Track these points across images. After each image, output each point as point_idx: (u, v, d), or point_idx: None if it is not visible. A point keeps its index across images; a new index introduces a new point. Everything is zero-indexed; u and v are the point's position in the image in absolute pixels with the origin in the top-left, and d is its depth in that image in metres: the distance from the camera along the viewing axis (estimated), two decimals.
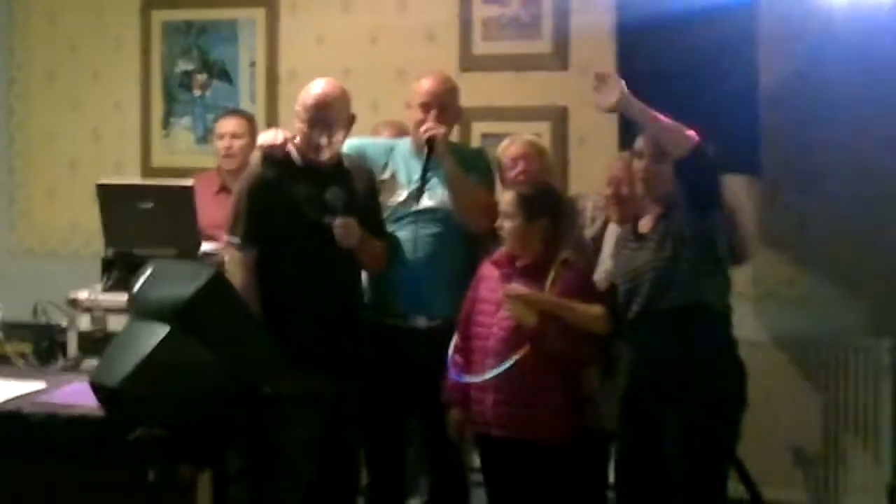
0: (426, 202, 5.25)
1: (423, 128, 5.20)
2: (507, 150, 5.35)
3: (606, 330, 4.74)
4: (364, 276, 5.33)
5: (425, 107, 5.26)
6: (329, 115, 5.03)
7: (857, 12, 5.72)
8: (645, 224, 4.64)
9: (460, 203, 5.20)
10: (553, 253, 4.86)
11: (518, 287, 4.76)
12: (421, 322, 5.24)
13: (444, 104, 5.28)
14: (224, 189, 6.17)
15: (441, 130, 5.18)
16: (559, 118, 6.55)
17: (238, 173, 5.98)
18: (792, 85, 6.05)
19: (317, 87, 5.07)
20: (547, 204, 4.90)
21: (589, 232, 5.18)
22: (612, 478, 4.97)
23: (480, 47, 6.73)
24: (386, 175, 5.34)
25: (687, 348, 4.50)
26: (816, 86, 6.05)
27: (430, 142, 5.16)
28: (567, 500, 4.89)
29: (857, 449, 6.07)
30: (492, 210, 5.07)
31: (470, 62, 6.69)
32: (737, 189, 5.67)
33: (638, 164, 4.62)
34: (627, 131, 5.69)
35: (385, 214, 5.29)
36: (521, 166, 5.25)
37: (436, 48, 6.65)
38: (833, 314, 6.09)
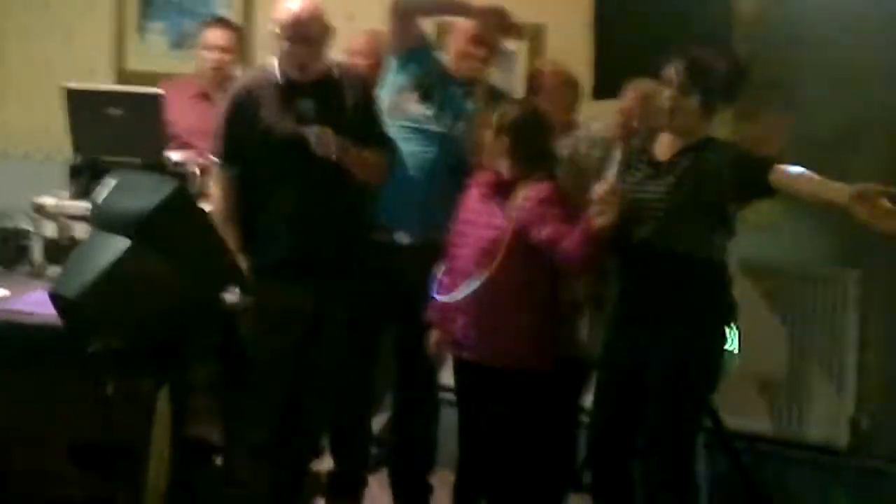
0: (435, 127, 5.23)
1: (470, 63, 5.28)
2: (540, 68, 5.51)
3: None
4: None
5: (476, 41, 5.27)
6: (308, 31, 4.99)
7: None
8: (662, 152, 4.56)
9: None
10: (527, 170, 4.80)
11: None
12: (403, 238, 5.22)
13: (492, 42, 5.33)
14: (202, 95, 6.13)
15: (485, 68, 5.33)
16: (536, 36, 6.46)
17: (218, 85, 5.95)
18: (770, 15, 5.95)
19: (292, 4, 5.01)
20: (516, 120, 4.82)
21: (596, 153, 5.14)
22: (586, 403, 5.00)
23: None
24: (419, 86, 5.31)
25: (683, 297, 4.46)
26: (795, 16, 5.95)
27: (472, 76, 5.24)
28: (536, 425, 4.88)
29: (822, 379, 6.05)
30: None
31: None
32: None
33: (664, 93, 4.50)
34: (603, 54, 5.68)
35: (401, 121, 5.28)
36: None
37: None
38: (802, 243, 6.05)
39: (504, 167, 4.80)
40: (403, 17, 5.25)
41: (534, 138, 4.81)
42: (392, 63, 5.36)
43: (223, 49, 6.21)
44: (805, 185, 4.26)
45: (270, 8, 5.16)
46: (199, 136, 5.54)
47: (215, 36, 6.25)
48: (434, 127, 5.23)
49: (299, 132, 4.94)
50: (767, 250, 6.01)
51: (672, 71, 4.45)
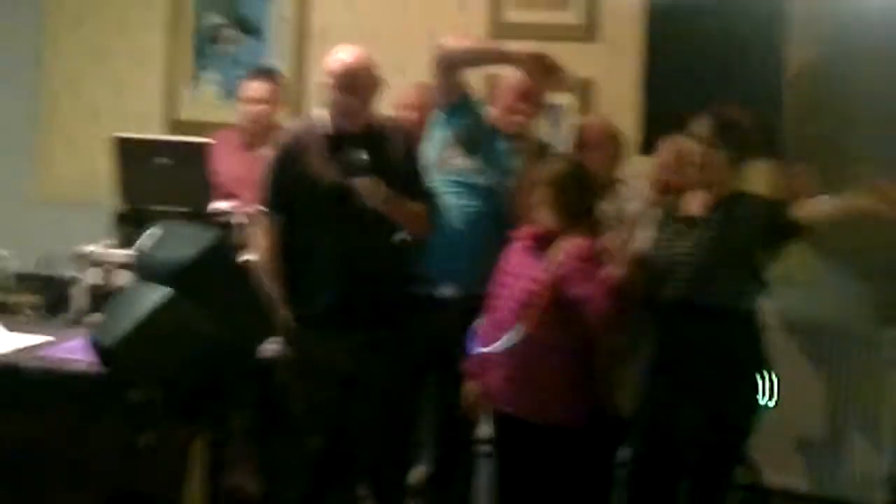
0: (481, 181, 5.22)
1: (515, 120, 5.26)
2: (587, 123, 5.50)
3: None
4: None
5: (522, 96, 5.27)
6: (357, 81, 5.01)
7: None
8: (693, 208, 4.60)
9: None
10: (568, 224, 4.77)
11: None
12: (447, 291, 5.18)
13: (539, 96, 5.32)
14: (245, 146, 6.14)
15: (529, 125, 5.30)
16: (585, 91, 6.45)
17: (261, 136, 5.97)
18: (819, 68, 5.91)
19: (343, 54, 5.05)
20: (562, 174, 4.80)
21: (632, 207, 5.13)
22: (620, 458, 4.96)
23: (510, 15, 6.67)
24: (462, 139, 5.29)
25: (718, 350, 4.46)
26: (844, 70, 5.92)
27: (520, 134, 5.23)
28: (574, 480, 4.83)
29: (860, 438, 6.02)
30: None
31: (499, 30, 6.60)
32: (762, 174, 5.64)
33: (695, 148, 4.57)
34: (651, 111, 5.67)
35: (447, 175, 5.27)
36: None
37: (466, 14, 6.57)
38: (843, 302, 6.02)
39: (546, 221, 4.78)
40: (448, 70, 5.23)
41: (576, 193, 4.78)
42: (438, 117, 5.35)
43: (262, 101, 6.21)
44: (829, 206, 4.38)
45: (322, 58, 5.18)
46: (243, 187, 5.55)
47: (254, 88, 6.25)
48: (480, 181, 5.21)
49: (348, 182, 4.95)
50: (810, 307, 5.99)
51: (700, 127, 4.50)
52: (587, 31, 6.51)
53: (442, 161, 5.27)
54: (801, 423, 6.07)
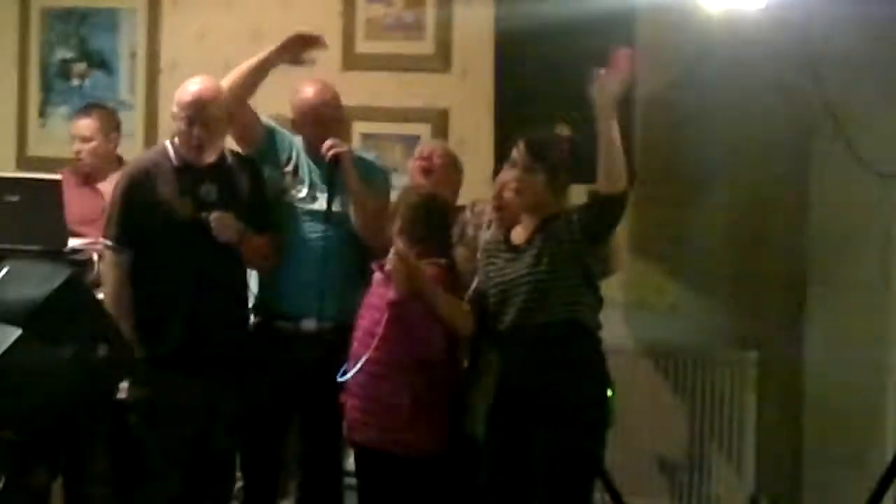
0: (313, 205, 5.21)
1: (327, 145, 5.11)
2: (420, 149, 5.50)
3: (468, 330, 4.72)
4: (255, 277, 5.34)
5: (318, 120, 5.21)
6: (207, 113, 4.98)
7: (731, 21, 5.71)
8: (518, 235, 4.65)
9: (363, 218, 5.14)
10: (430, 254, 4.81)
11: (406, 250, 4.70)
12: (310, 325, 5.14)
13: (334, 117, 5.27)
14: (86, 182, 6.00)
15: (345, 148, 5.15)
16: (439, 121, 6.51)
17: (98, 171, 5.89)
18: (667, 94, 6.03)
19: (193, 86, 5.03)
20: (422, 205, 4.87)
21: (486, 236, 5.14)
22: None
23: (363, 46, 6.67)
24: (289, 168, 5.26)
25: (559, 365, 4.51)
26: (692, 96, 6.04)
27: (335, 159, 5.12)
28: None
29: (722, 460, 6.10)
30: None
31: (352, 61, 6.62)
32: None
33: (510, 174, 4.65)
34: (503, 139, 5.71)
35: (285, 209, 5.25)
36: (428, 157, 5.42)
37: None
38: (701, 325, 6.09)
39: (411, 252, 4.79)
40: (237, 111, 5.18)
41: (428, 220, 4.83)
42: (258, 158, 5.33)
43: (90, 138, 6.06)
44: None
45: (173, 91, 5.16)
46: (86, 224, 5.51)
47: (81, 126, 6.12)
48: (312, 206, 5.20)
49: (200, 216, 4.92)
50: (667, 331, 6.05)
51: (515, 152, 4.59)
52: (440, 61, 6.54)
53: (278, 196, 5.27)
54: (663, 446, 6.12)
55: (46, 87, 7.21)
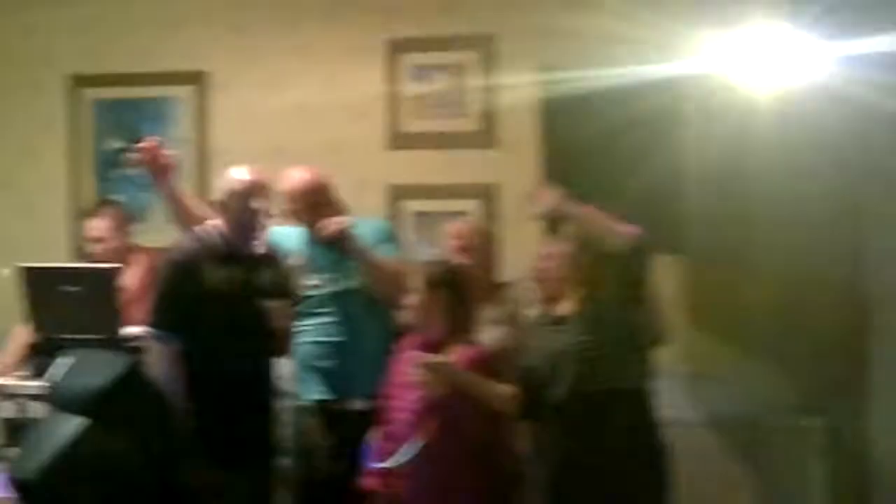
0: (345, 284, 5.26)
1: (328, 225, 5.20)
2: (450, 228, 5.45)
3: (509, 409, 4.72)
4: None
5: (312, 207, 5.30)
6: (257, 200, 5.10)
7: (780, 94, 5.74)
8: (564, 307, 4.67)
9: (378, 285, 5.21)
10: (458, 331, 4.85)
11: (428, 356, 4.71)
12: (356, 405, 5.20)
13: (325, 201, 5.33)
14: None
15: (345, 225, 5.20)
16: (488, 196, 6.54)
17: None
18: (717, 164, 6.04)
19: (250, 175, 5.16)
20: (450, 278, 4.89)
21: (533, 312, 5.16)
22: None
23: (408, 125, 6.73)
24: (300, 261, 5.34)
25: (614, 434, 4.51)
26: (741, 165, 6.03)
27: (338, 238, 5.18)
28: None
29: None
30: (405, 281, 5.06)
31: (398, 140, 6.69)
32: (662, 269, 5.72)
33: (564, 248, 4.66)
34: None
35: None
36: (458, 241, 5.36)
37: (365, 125, 6.65)
38: (763, 393, 6.03)
39: (435, 325, 4.83)
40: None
41: (459, 298, 4.86)
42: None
43: (100, 240, 6.20)
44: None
45: (224, 175, 5.23)
46: None
47: (90, 228, 6.26)
48: (331, 289, 5.28)
49: (256, 303, 4.98)
50: (729, 401, 6.00)
51: (568, 227, 4.64)
52: (486, 137, 6.59)
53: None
54: None
55: (100, 177, 7.31)
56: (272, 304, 4.99)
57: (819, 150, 5.84)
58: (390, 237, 5.44)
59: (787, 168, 5.90)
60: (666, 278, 5.82)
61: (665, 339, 4.81)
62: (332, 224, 5.18)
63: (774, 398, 6.06)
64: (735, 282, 6.10)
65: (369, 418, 5.03)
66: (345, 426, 5.18)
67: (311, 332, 5.32)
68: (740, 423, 6.08)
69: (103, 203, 6.63)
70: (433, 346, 4.80)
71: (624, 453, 4.50)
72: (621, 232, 4.47)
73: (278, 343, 5.18)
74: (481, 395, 4.71)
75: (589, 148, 5.61)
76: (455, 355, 4.75)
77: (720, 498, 5.87)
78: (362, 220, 5.46)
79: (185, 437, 4.64)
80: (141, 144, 5.30)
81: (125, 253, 6.16)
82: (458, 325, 4.85)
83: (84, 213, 6.55)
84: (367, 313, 5.27)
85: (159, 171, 5.30)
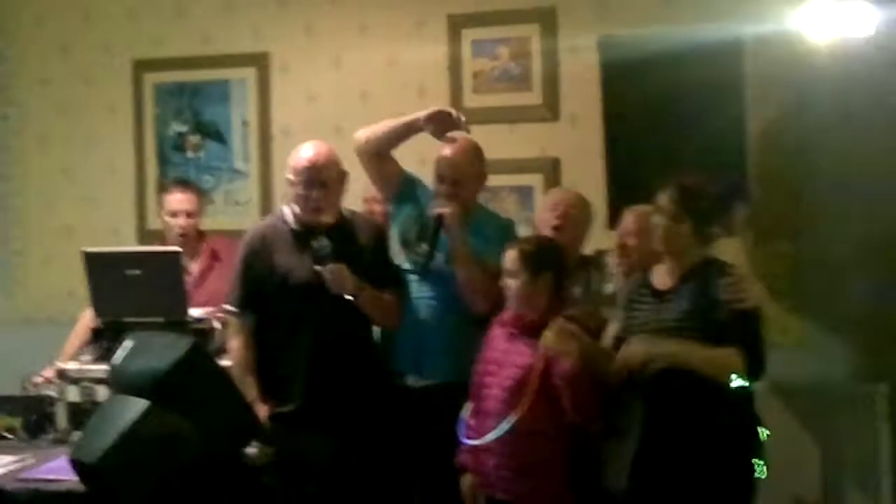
0: (435, 265, 5.20)
1: (434, 205, 5.16)
2: (548, 198, 5.45)
3: (621, 380, 4.57)
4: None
5: (440, 179, 5.24)
6: (323, 175, 5.06)
7: (838, 51, 5.66)
8: (662, 279, 4.59)
9: (464, 282, 5.12)
10: (557, 309, 4.76)
11: (563, 321, 4.60)
12: (419, 382, 5.16)
13: (459, 178, 5.23)
14: None
15: (450, 210, 5.12)
16: (552, 169, 6.49)
17: (186, 246, 5.90)
18: (779, 127, 5.96)
19: (306, 150, 5.12)
20: (550, 259, 4.80)
21: (609, 287, 5.11)
22: None
23: (471, 100, 6.69)
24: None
25: (708, 422, 4.42)
26: (804, 127, 5.97)
27: (440, 219, 5.12)
28: None
29: (857, 495, 6.00)
30: (495, 295, 4.94)
31: (463, 116, 6.58)
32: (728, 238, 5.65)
33: (657, 220, 4.56)
34: (616, 183, 5.67)
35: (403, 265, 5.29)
36: (559, 210, 5.25)
37: (427, 102, 6.56)
38: (829, 360, 6.01)
39: (537, 307, 4.75)
40: (371, 161, 5.29)
41: (557, 275, 4.77)
42: (390, 210, 5.42)
43: (189, 214, 6.16)
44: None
45: (286, 157, 5.22)
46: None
47: (179, 200, 6.18)
48: (434, 267, 5.19)
49: (316, 271, 4.95)
50: (796, 370, 5.93)
51: (663, 199, 4.50)
52: (549, 110, 6.54)
53: (400, 251, 5.29)
54: (797, 485, 6.02)
55: (163, 161, 7.33)
56: (328, 268, 4.94)
57: (879, 107, 5.74)
58: (508, 238, 5.29)
59: (851, 127, 5.81)
60: (728, 244, 5.76)
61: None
62: (437, 205, 5.14)
63: (839, 365, 6.02)
64: (800, 247, 6.04)
65: (457, 396, 4.95)
66: (433, 404, 5.11)
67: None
68: (806, 391, 6.03)
69: (181, 180, 6.63)
70: (530, 325, 4.71)
71: (716, 444, 4.41)
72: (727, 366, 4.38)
73: (368, 312, 5.12)
74: (602, 362, 4.61)
75: (650, 114, 5.53)
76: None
77: (789, 465, 5.80)
78: (488, 213, 5.46)
79: (249, 417, 4.61)
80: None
81: (200, 232, 6.17)
82: (557, 304, 4.78)
83: (165, 187, 6.53)
84: (452, 297, 5.16)
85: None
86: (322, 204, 5.09)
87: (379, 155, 5.29)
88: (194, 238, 6.11)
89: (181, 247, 5.82)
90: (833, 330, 5.88)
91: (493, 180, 6.09)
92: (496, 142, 6.41)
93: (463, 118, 5.29)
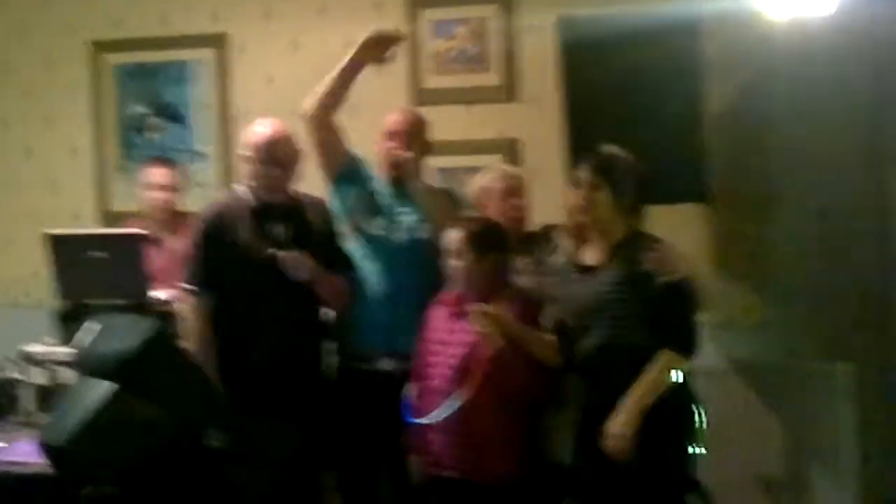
0: (395, 238, 5.26)
1: (389, 153, 5.26)
2: (493, 183, 5.35)
3: (556, 360, 4.72)
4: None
5: (391, 135, 5.32)
6: (280, 152, 5.11)
7: (796, 32, 5.72)
8: (590, 256, 4.66)
9: (434, 216, 5.19)
10: (500, 288, 4.85)
11: (486, 305, 4.70)
12: (387, 364, 5.17)
13: (409, 134, 5.32)
14: (151, 241, 5.90)
15: (407, 154, 5.23)
16: (511, 150, 6.53)
17: (168, 224, 5.95)
18: (737, 108, 6.03)
19: (261, 127, 5.17)
20: (495, 239, 4.89)
21: (556, 260, 5.15)
22: None
23: (430, 81, 6.73)
24: (369, 196, 5.34)
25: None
26: (761, 108, 6.04)
27: (397, 167, 5.22)
28: None
29: (822, 473, 6.02)
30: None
31: (421, 96, 6.67)
32: (684, 216, 5.70)
33: (577, 193, 4.65)
34: (575, 164, 5.70)
35: (361, 241, 5.30)
36: (518, 200, 5.31)
37: (386, 83, 6.59)
38: (790, 339, 6.05)
39: (481, 287, 4.82)
40: (320, 126, 5.27)
41: (498, 254, 4.87)
42: (331, 190, 5.41)
43: (168, 187, 6.27)
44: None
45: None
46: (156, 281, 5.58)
47: (157, 174, 6.30)
48: (389, 241, 5.26)
49: (274, 255, 4.98)
50: (757, 349, 6.01)
51: (581, 171, 4.62)
52: (507, 91, 6.58)
53: (350, 231, 5.33)
54: (762, 464, 6.05)
55: (123, 143, 7.32)
56: (284, 254, 4.98)
57: (838, 88, 5.81)
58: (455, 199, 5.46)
59: (808, 107, 5.87)
60: (688, 225, 5.83)
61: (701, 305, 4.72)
62: (392, 149, 5.26)
63: (801, 344, 6.06)
64: (759, 228, 6.10)
65: (400, 377, 5.02)
66: (378, 386, 5.13)
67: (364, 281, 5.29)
68: (768, 370, 6.07)
69: (162, 157, 6.70)
70: (473, 302, 4.77)
71: (653, 414, 4.45)
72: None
73: (321, 294, 5.17)
74: (533, 345, 4.71)
75: (609, 94, 5.55)
76: (502, 308, 4.73)
77: (751, 444, 5.86)
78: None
79: (214, 398, 4.64)
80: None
81: (179, 212, 6.22)
82: (501, 284, 4.85)
83: (146, 162, 6.57)
84: (417, 267, 5.21)
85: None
86: (277, 181, 5.14)
87: (329, 112, 5.27)
88: (172, 214, 6.14)
89: (158, 221, 5.86)
90: (793, 309, 5.93)
91: (452, 161, 6.17)
92: (454, 123, 6.50)
93: (400, 30, 5.38)
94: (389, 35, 5.25)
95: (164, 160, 6.52)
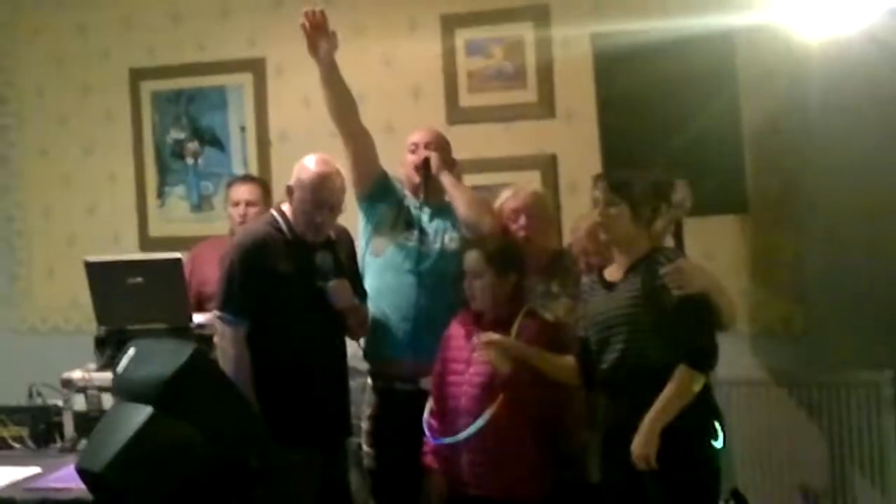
0: (425, 250, 5.26)
1: (415, 156, 5.29)
2: (507, 203, 5.31)
3: (575, 381, 4.70)
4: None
5: (413, 147, 5.35)
6: (333, 198, 5.03)
7: (831, 45, 5.71)
8: (613, 272, 4.64)
9: (464, 207, 5.18)
10: (518, 306, 4.85)
11: (490, 334, 4.71)
12: (427, 384, 5.09)
13: (430, 144, 5.34)
14: None
15: (430, 152, 5.27)
16: (549, 166, 6.50)
17: None
18: (774, 118, 6.00)
19: (318, 166, 5.04)
20: (514, 259, 4.89)
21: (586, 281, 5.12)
22: None
23: (466, 99, 6.72)
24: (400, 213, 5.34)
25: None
26: (798, 118, 6.01)
27: (426, 166, 5.23)
28: None
29: (865, 482, 5.97)
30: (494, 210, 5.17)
31: (457, 115, 6.66)
32: (727, 230, 5.67)
33: (595, 210, 4.64)
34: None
35: (386, 258, 5.30)
36: (523, 220, 5.22)
37: (422, 103, 6.65)
38: (831, 349, 6.00)
39: (500, 306, 4.82)
40: (348, 132, 5.35)
41: (516, 273, 4.86)
42: (362, 207, 5.41)
43: (248, 203, 6.21)
44: None
45: (282, 161, 5.23)
46: None
47: (242, 191, 6.27)
48: (424, 250, 5.26)
49: (318, 285, 4.96)
50: (798, 358, 5.96)
51: (597, 192, 4.58)
52: (544, 108, 6.57)
53: (383, 246, 5.33)
54: (804, 474, 6.02)
55: (162, 168, 7.36)
56: (332, 283, 4.96)
57: (871, 99, 5.77)
58: None
59: (844, 119, 5.84)
60: (728, 236, 5.79)
61: (729, 323, 4.66)
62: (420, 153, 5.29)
63: (844, 354, 6.00)
64: (799, 238, 6.07)
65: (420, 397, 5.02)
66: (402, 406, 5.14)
67: (388, 292, 5.29)
68: (811, 380, 6.03)
69: (246, 175, 6.73)
70: (492, 323, 4.78)
71: (674, 432, 4.40)
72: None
73: (349, 323, 5.14)
74: (546, 368, 4.70)
75: (646, 107, 5.52)
76: (518, 330, 4.73)
77: (794, 455, 5.82)
78: None
79: (254, 421, 4.61)
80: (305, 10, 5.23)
81: None
82: (518, 302, 4.84)
83: (232, 181, 6.57)
84: (443, 283, 5.18)
85: (317, 35, 5.28)
86: (325, 227, 5.07)
87: (355, 128, 5.36)
88: None
89: None
90: (835, 319, 5.88)
91: (491, 178, 6.15)
92: (492, 140, 6.49)
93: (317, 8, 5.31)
94: (315, 18, 5.28)
95: (251, 178, 6.55)
